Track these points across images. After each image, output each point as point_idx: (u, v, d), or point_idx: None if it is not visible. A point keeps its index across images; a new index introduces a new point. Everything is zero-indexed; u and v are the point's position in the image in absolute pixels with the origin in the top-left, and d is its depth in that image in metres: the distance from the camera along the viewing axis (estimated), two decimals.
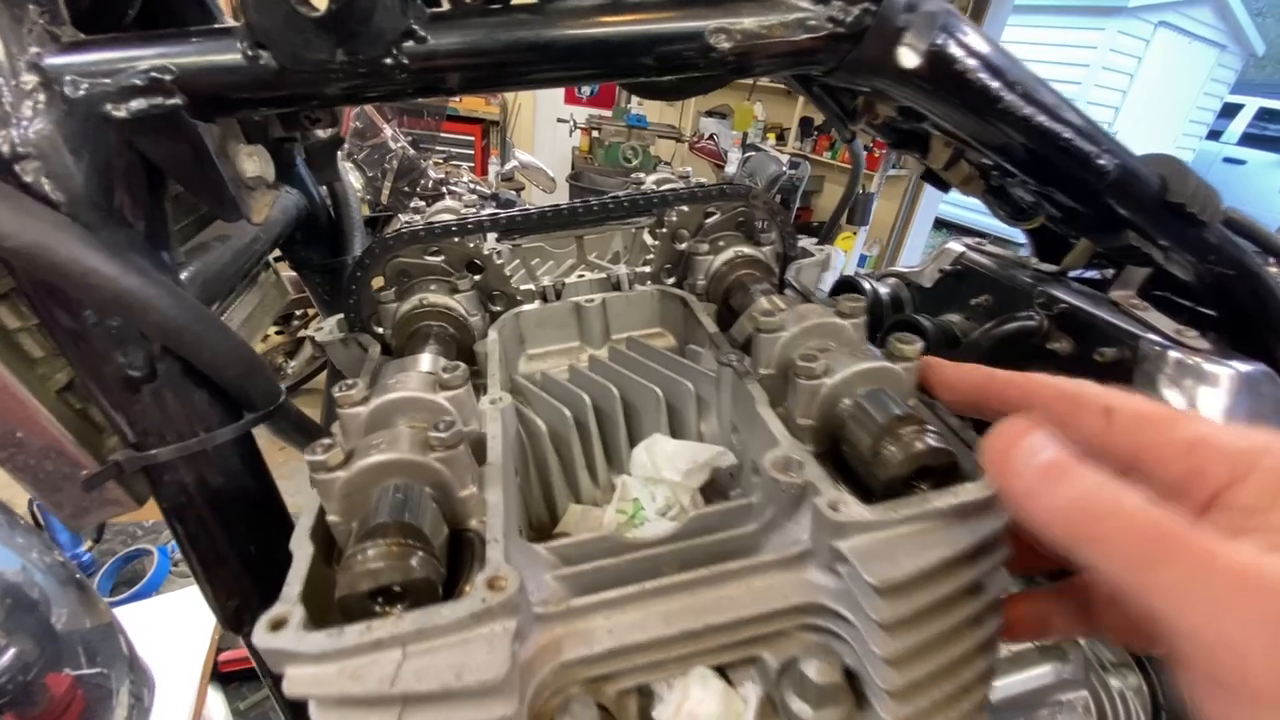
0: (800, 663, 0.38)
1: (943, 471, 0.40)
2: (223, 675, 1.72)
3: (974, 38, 0.46)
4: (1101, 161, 0.54)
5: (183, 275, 0.47)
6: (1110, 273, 0.89)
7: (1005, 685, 0.74)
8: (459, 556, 0.39)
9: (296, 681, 0.32)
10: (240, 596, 0.49)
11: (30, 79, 0.37)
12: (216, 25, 0.39)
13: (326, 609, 0.36)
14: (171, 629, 1.78)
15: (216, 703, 1.67)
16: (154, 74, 0.38)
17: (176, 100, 0.38)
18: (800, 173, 5.18)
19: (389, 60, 0.39)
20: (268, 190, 0.46)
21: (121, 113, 0.38)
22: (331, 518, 0.39)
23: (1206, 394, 0.66)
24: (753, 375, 0.50)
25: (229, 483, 0.47)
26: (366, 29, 0.38)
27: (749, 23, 0.42)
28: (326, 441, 0.39)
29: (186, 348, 0.41)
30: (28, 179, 0.37)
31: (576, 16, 0.42)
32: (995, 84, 0.47)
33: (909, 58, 0.41)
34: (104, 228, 0.39)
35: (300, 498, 0.41)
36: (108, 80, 0.37)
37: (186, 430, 0.45)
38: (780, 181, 4.60)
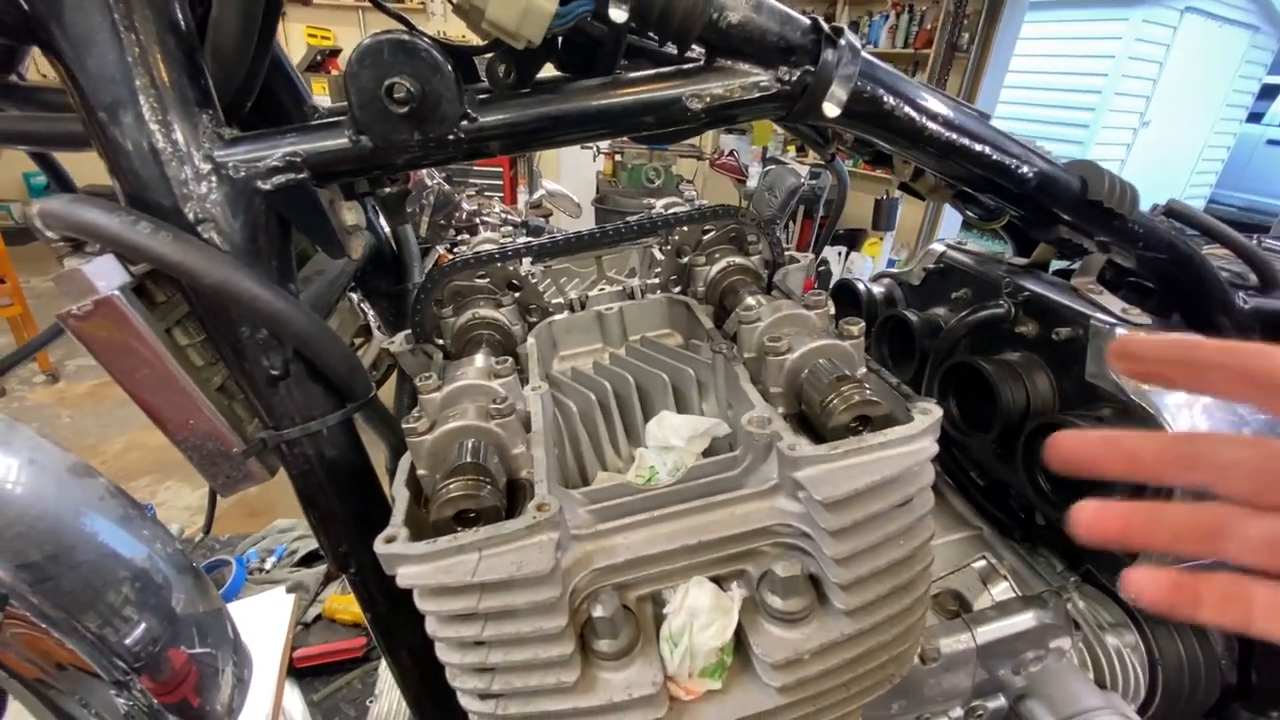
0: (772, 565, 0.50)
1: (880, 420, 0.52)
2: (298, 670, 1.89)
3: (898, 85, 0.58)
4: (1022, 170, 0.65)
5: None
6: None
7: (989, 630, 0.83)
8: (514, 499, 0.53)
9: (406, 577, 0.46)
10: (347, 543, 0.64)
11: (205, 166, 0.53)
12: (329, 120, 0.55)
13: (422, 535, 0.50)
14: (251, 629, 1.96)
15: (293, 695, 1.83)
16: (289, 157, 0.53)
17: (304, 174, 0.54)
18: (820, 183, 5.26)
19: (451, 136, 0.54)
20: (361, 233, 0.61)
21: (267, 185, 0.53)
22: (420, 471, 0.54)
23: None
24: (738, 359, 0.63)
25: (339, 456, 0.62)
26: (435, 115, 0.53)
27: (715, 88, 0.55)
28: (416, 414, 0.53)
29: (313, 351, 0.56)
30: (206, 237, 0.52)
31: (585, 93, 0.56)
32: (918, 117, 0.59)
33: (830, 109, 0.54)
34: (254, 267, 0.54)
35: None
36: (258, 164, 0.53)
37: (308, 416, 0.60)
38: (800, 192, 4.69)
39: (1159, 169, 8.38)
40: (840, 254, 5.72)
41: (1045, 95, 8.28)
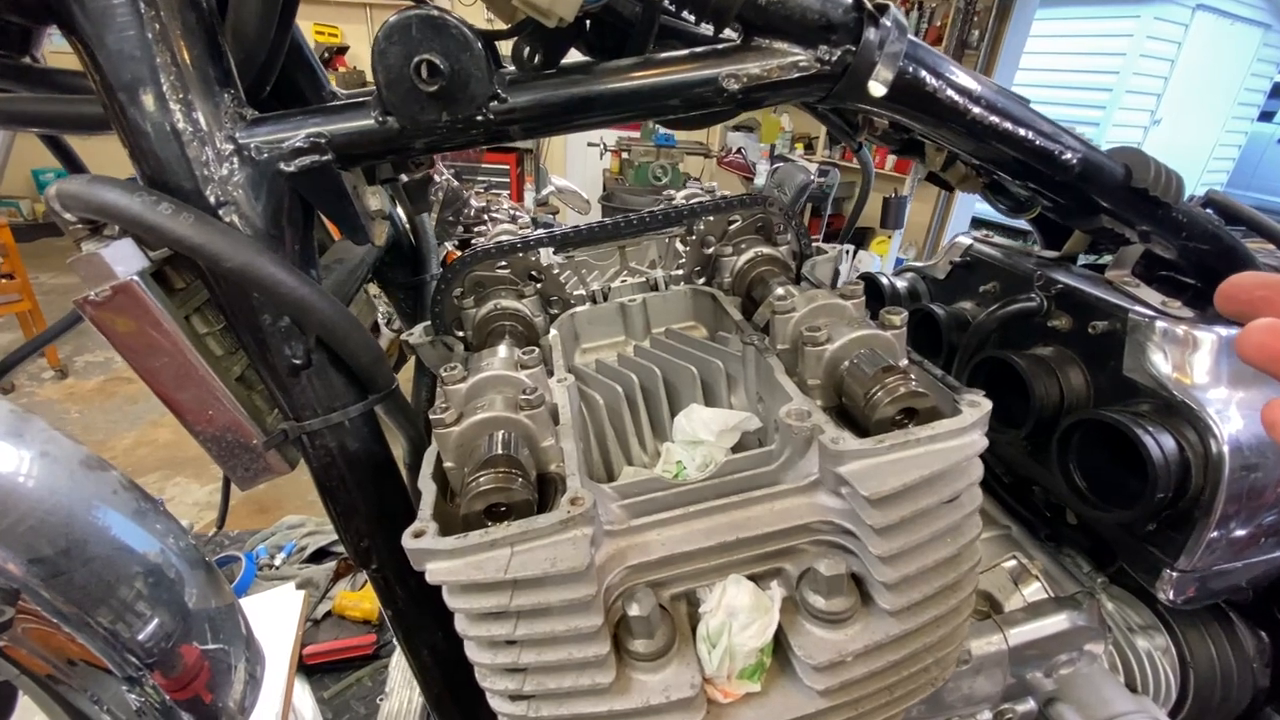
0: (814, 564, 0.48)
1: (925, 413, 0.50)
2: (307, 667, 1.88)
3: (940, 65, 0.56)
4: (1066, 156, 0.63)
5: None
6: None
7: (1021, 632, 0.81)
8: (545, 493, 0.51)
9: (436, 573, 0.44)
10: (369, 538, 0.62)
11: (227, 148, 0.51)
12: (354, 101, 0.53)
13: (449, 530, 0.48)
14: (261, 626, 1.95)
15: (303, 692, 1.82)
16: (312, 139, 0.51)
17: (328, 156, 0.52)
18: (829, 180, 5.23)
19: (480, 117, 0.52)
20: (384, 220, 0.60)
21: (290, 168, 0.52)
22: (447, 464, 0.52)
23: (1192, 356, 0.74)
24: (771, 350, 0.61)
25: (360, 448, 0.60)
26: (465, 94, 0.51)
27: (753, 68, 0.53)
28: (443, 405, 0.51)
29: (336, 340, 0.54)
30: (228, 220, 0.51)
31: (617, 73, 0.54)
32: (961, 100, 0.57)
33: (876, 89, 0.52)
34: (276, 251, 0.52)
35: None
36: (281, 145, 0.51)
37: (329, 407, 0.58)
38: (809, 190, 4.65)
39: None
40: (848, 252, 5.68)
41: (1056, 93, 8.21)
